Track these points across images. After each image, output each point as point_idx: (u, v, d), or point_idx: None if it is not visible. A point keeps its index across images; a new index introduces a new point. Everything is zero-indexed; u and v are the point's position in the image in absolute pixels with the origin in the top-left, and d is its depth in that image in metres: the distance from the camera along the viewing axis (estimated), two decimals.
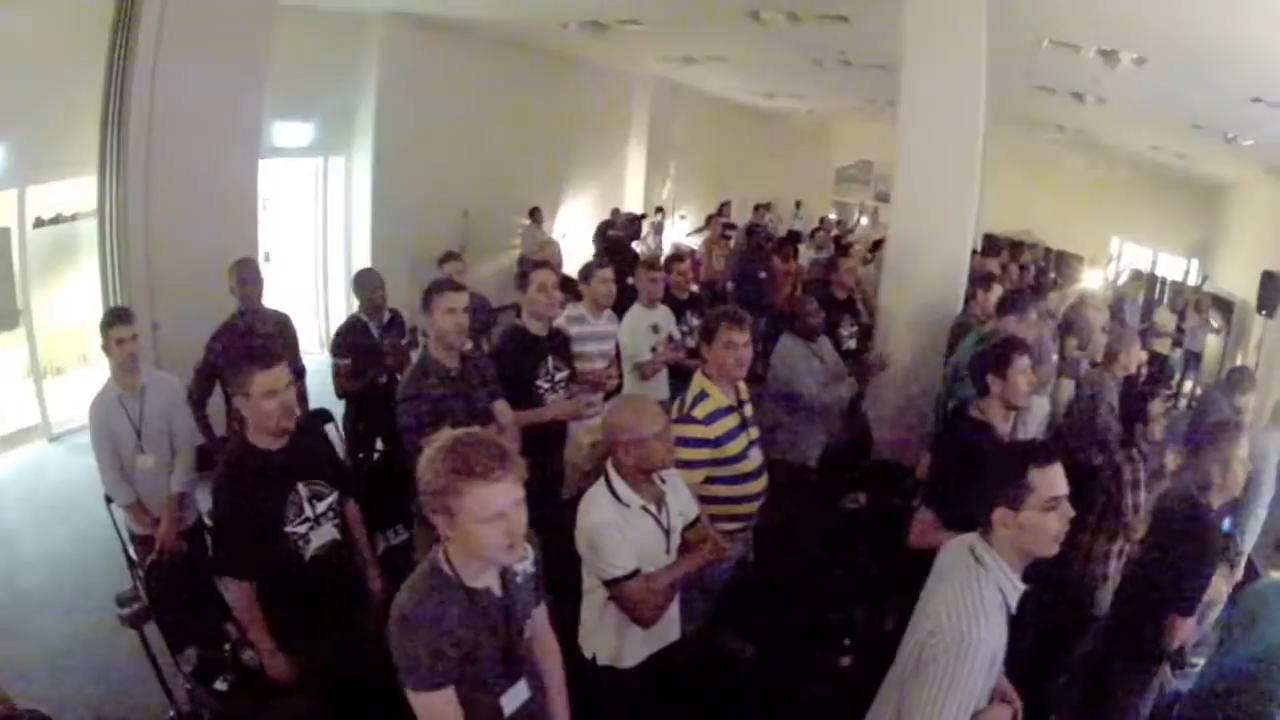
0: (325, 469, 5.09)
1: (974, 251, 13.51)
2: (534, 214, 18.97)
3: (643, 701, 4.63)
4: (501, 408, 6.34)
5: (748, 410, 5.84)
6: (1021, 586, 3.43)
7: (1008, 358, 5.39)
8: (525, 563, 3.66)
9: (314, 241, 15.90)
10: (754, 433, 5.81)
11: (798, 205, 27.12)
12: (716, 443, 5.47)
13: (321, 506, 4.97)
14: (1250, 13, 8.39)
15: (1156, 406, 6.49)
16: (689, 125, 24.05)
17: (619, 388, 8.18)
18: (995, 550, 3.40)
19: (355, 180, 15.86)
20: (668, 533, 4.63)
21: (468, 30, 15.99)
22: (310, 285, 15.80)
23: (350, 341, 8.52)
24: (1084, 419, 7.95)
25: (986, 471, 3.60)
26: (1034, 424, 10.09)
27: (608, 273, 8.24)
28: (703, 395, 5.57)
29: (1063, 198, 23.65)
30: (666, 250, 20.49)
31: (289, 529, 4.81)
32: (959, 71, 8.06)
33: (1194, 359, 17.05)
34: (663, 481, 4.69)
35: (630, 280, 9.88)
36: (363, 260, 14.65)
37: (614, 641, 4.57)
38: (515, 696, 3.57)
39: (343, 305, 14.88)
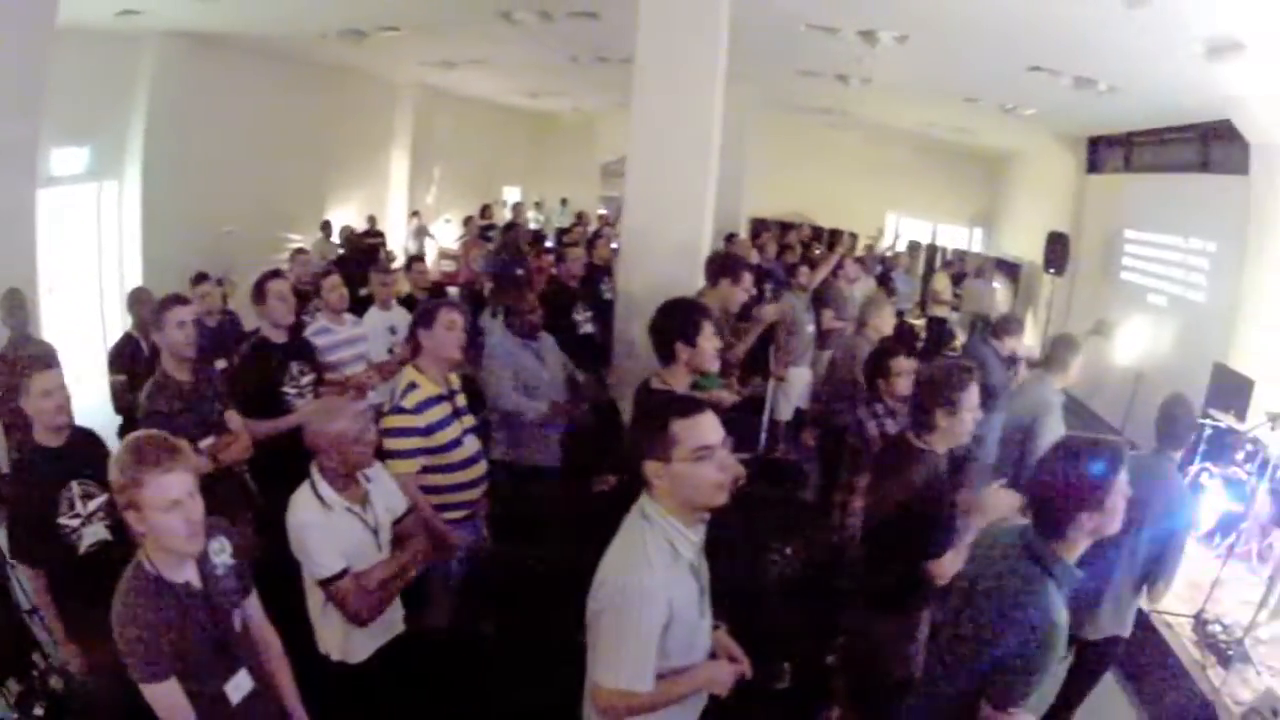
0: (101, 471, 4.86)
1: (730, 236, 14.17)
2: (325, 227, 18.92)
3: (374, 696, 4.71)
4: (231, 416, 6.36)
5: (459, 400, 5.94)
6: (695, 538, 3.47)
7: (697, 325, 5.39)
8: (223, 555, 3.82)
9: (94, 269, 15.35)
10: (467, 421, 5.93)
11: (563, 202, 27.24)
12: (427, 431, 5.55)
13: (92, 505, 5.10)
14: None
15: (900, 363, 6.55)
16: (454, 129, 23.76)
17: None
18: (659, 505, 3.41)
19: (127, 204, 15.41)
20: (375, 531, 4.73)
21: (237, 46, 15.60)
22: (92, 312, 15.16)
23: (124, 359, 8.50)
24: (835, 382, 8.28)
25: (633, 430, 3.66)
26: (795, 394, 10.43)
27: (336, 279, 8.37)
28: (412, 386, 5.63)
29: (837, 178, 24.21)
30: (431, 255, 20.88)
31: (61, 520, 5.00)
32: (694, 60, 8.11)
33: (983, 322, 17.64)
34: (367, 480, 4.81)
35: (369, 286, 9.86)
36: (137, 284, 14.09)
37: (340, 638, 4.67)
38: (238, 687, 3.73)
39: (121, 330, 14.36)
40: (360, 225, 19.75)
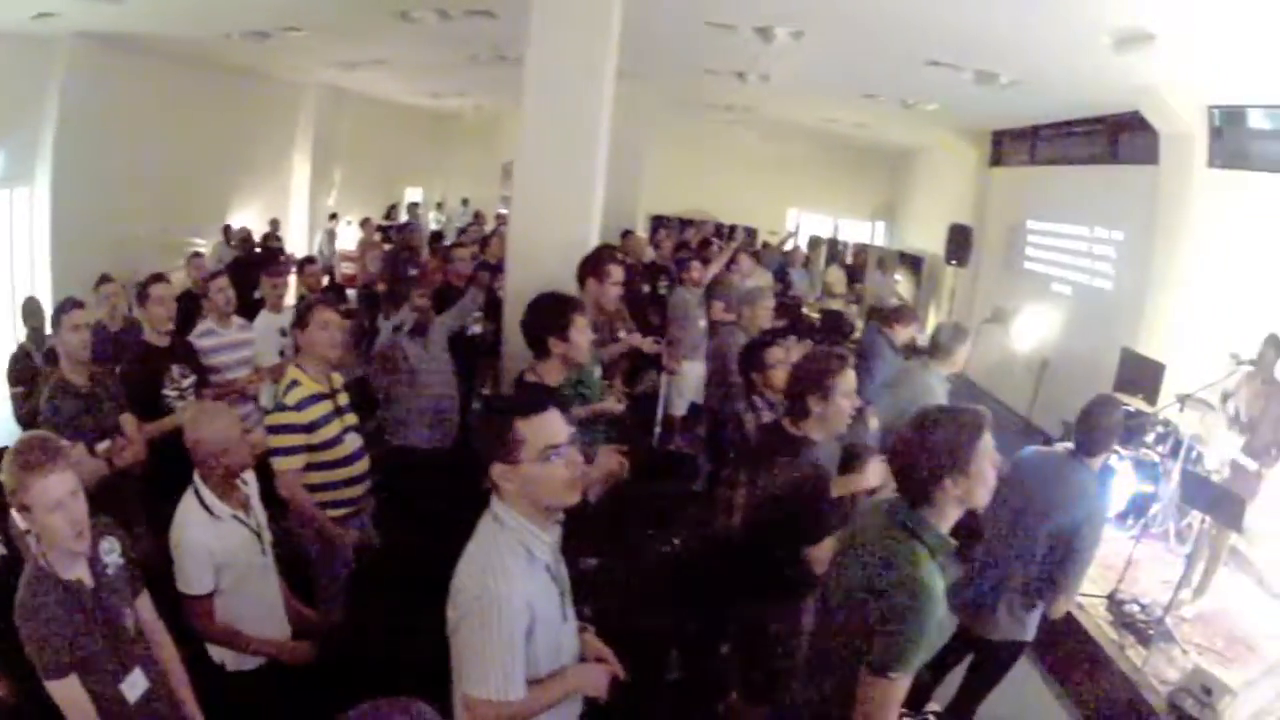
0: None
1: (626, 233, 13.92)
2: (225, 231, 18.36)
3: (268, 700, 4.65)
4: (127, 420, 6.37)
5: (341, 399, 5.95)
6: (549, 539, 3.41)
7: (568, 318, 5.45)
8: (113, 555, 3.87)
9: (5, 276, 14.97)
10: (349, 419, 5.96)
11: (465, 202, 27.06)
12: (309, 428, 5.58)
13: None
14: None
15: (774, 354, 6.44)
16: (357, 130, 23.47)
17: None
18: (510, 507, 3.32)
19: (37, 210, 14.99)
20: (258, 534, 4.73)
21: (146, 48, 15.28)
22: (4, 321, 14.65)
23: (19, 371, 8.56)
24: (716, 375, 8.23)
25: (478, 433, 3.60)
26: (688, 388, 10.38)
27: (223, 282, 8.26)
28: (294, 384, 5.66)
29: (739, 174, 24.29)
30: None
31: None
32: (583, 59, 8.00)
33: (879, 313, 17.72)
34: (245, 484, 4.79)
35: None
36: (46, 291, 13.96)
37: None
38: (134, 685, 3.77)
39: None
40: (263, 228, 19.45)
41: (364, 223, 21.22)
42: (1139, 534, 8.52)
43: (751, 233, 21.92)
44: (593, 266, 7.25)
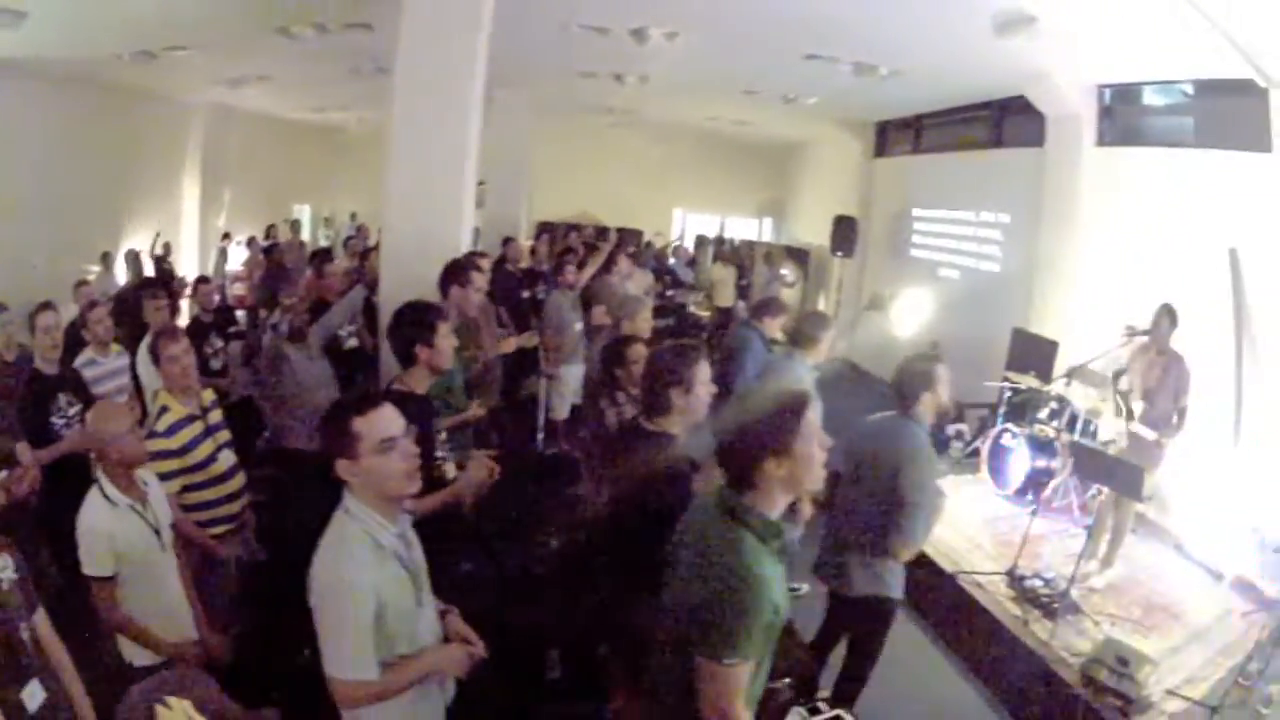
0: None
1: (506, 240, 13.71)
2: (104, 258, 17.84)
3: None
4: (22, 449, 6.32)
5: (213, 417, 5.94)
6: (395, 528, 3.55)
7: (433, 325, 5.44)
8: (7, 571, 3.76)
9: None
10: (221, 437, 5.96)
11: (353, 217, 26.75)
12: (181, 452, 5.56)
13: None
14: None
15: (636, 350, 6.17)
16: (246, 148, 22.94)
17: None
18: (357, 499, 3.48)
19: None
20: (157, 531, 4.72)
21: (34, 72, 14.68)
22: None
23: None
24: (593, 376, 8.14)
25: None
26: (569, 391, 10.27)
27: (100, 312, 8.06)
28: (164, 409, 5.66)
29: (624, 177, 24.10)
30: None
31: None
32: (451, 67, 7.96)
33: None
34: (145, 484, 4.80)
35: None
36: None
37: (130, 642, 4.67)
38: (33, 696, 3.68)
39: None
40: (157, 251, 19.05)
41: (249, 242, 20.84)
42: (1039, 509, 8.48)
43: (636, 235, 21.79)
44: (455, 273, 7.33)
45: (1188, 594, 8.26)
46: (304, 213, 26.80)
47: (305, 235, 24.20)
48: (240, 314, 13.79)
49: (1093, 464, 8.04)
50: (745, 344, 8.19)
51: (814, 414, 3.27)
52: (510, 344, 8.72)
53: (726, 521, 3.26)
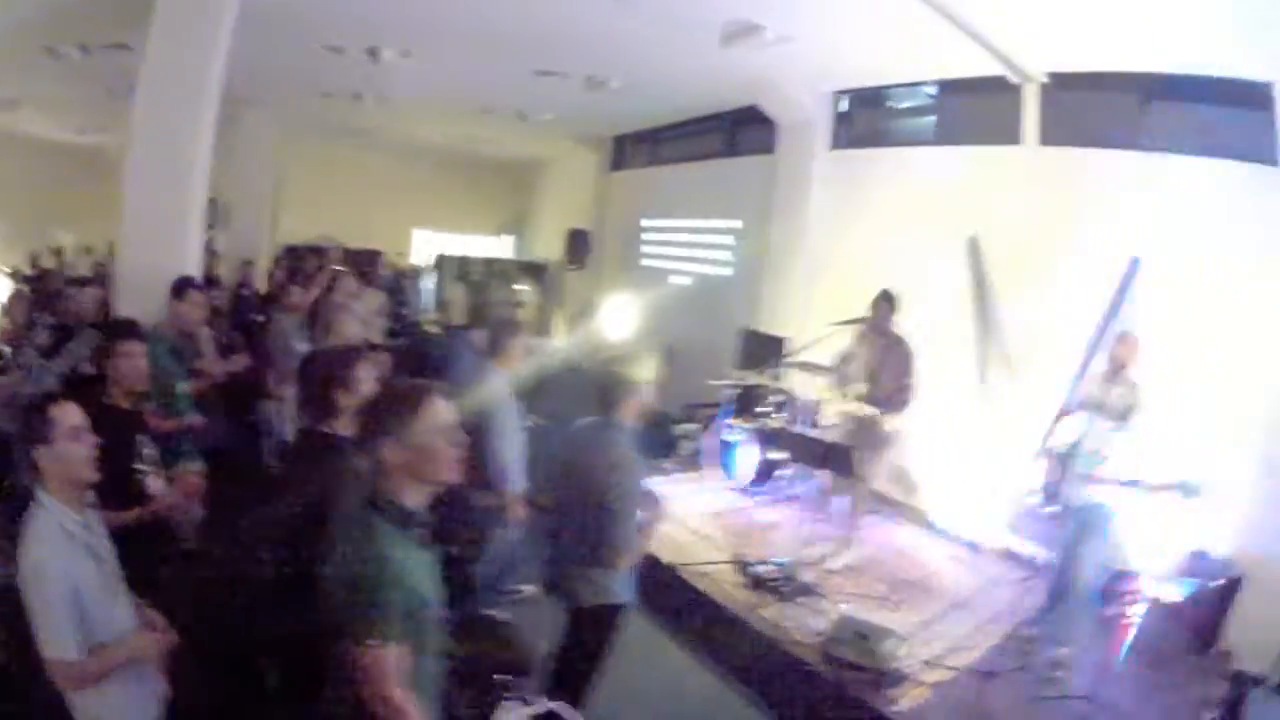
0: None
1: (246, 263, 13.75)
2: None
3: None
4: None
5: None
6: (79, 518, 3.70)
7: (114, 343, 5.45)
8: None
9: None
10: None
11: (110, 245, 25.66)
12: None
13: None
14: None
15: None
16: (7, 173, 22.03)
17: None
18: (48, 493, 3.64)
19: None
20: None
21: None
22: None
23: None
24: None
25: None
26: (290, 407, 10.01)
27: None
28: None
29: (367, 198, 23.09)
30: None
31: None
32: (186, 86, 7.69)
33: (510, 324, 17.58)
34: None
35: None
36: None
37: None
38: None
39: None
40: None
41: (13, 274, 19.67)
42: (771, 498, 9.12)
43: (376, 256, 21.34)
44: (174, 289, 7.29)
45: (943, 568, 8.40)
46: (68, 239, 25.16)
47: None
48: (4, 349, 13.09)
49: (806, 449, 8.11)
50: (455, 356, 8.32)
51: (437, 407, 3.27)
52: (219, 366, 8.26)
53: (366, 510, 3.25)
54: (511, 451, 6.48)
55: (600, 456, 5.08)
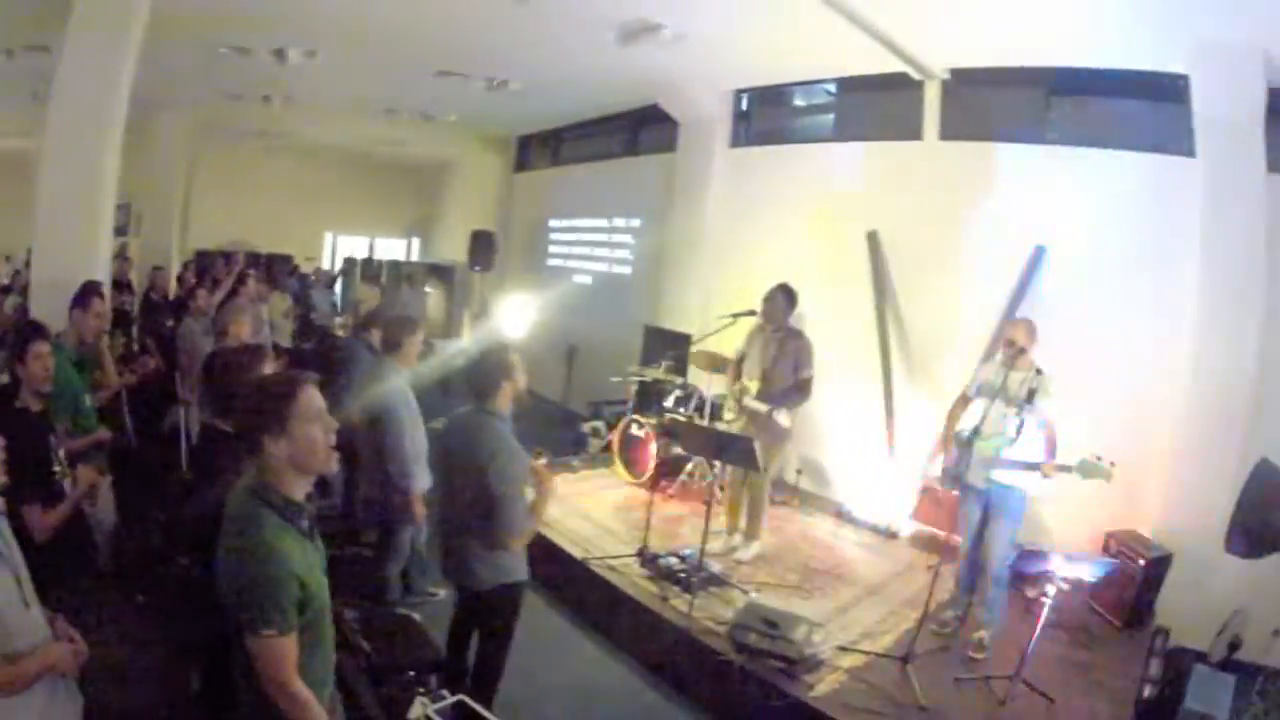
0: None
1: (156, 268, 13.35)
2: None
3: None
4: None
5: None
6: None
7: (23, 345, 5.31)
8: None
9: None
10: None
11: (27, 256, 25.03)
12: None
13: None
14: None
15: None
16: None
17: None
18: None
19: None
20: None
21: None
22: None
23: None
24: None
25: None
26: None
27: None
28: None
29: (277, 202, 22.84)
30: None
31: None
32: (98, 94, 7.53)
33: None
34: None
35: None
36: None
37: None
38: None
39: None
40: None
41: None
42: (676, 492, 9.26)
43: (286, 259, 20.97)
44: (77, 299, 7.15)
45: (857, 555, 8.44)
46: None
47: None
48: None
49: (702, 441, 7.96)
50: (352, 355, 8.26)
51: (311, 395, 3.26)
52: (119, 381, 8.01)
53: (251, 502, 3.21)
54: (411, 448, 6.45)
55: (477, 444, 5.11)
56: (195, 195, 18.92)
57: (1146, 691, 5.74)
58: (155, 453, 8.61)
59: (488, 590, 5.19)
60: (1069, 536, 7.53)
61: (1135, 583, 7.04)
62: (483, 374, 5.23)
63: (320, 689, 3.23)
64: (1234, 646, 5.87)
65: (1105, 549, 7.37)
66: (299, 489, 3.27)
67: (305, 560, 3.16)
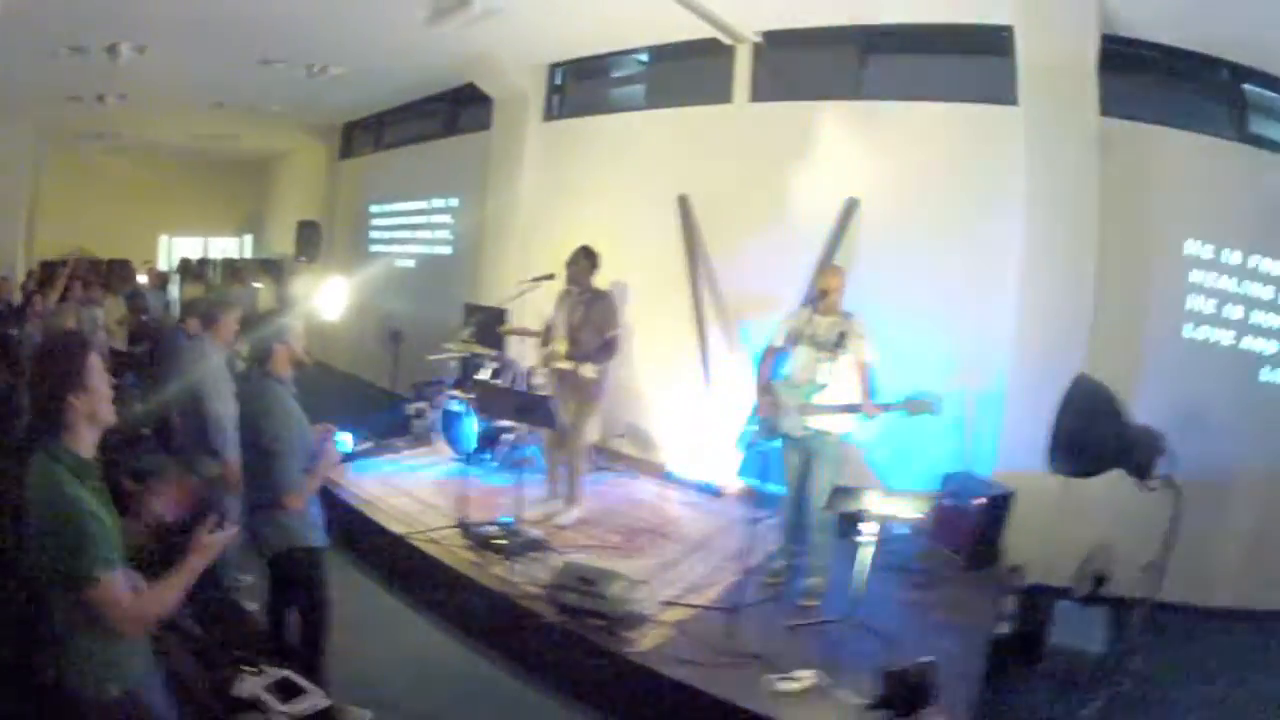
0: None
1: (1, 278, 13.05)
2: None
3: None
4: None
5: None
6: None
7: None
8: None
9: None
10: None
11: None
12: None
13: None
14: None
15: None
16: None
17: None
18: None
19: None
20: None
21: None
22: None
23: None
24: None
25: None
26: None
27: None
28: None
29: (114, 206, 22.21)
30: None
31: None
32: None
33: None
34: None
35: None
36: None
37: None
38: None
39: None
40: None
41: None
42: (496, 464, 9.28)
43: (125, 264, 20.29)
44: None
45: (681, 514, 8.43)
46: None
47: None
48: None
49: (501, 403, 8.10)
50: (172, 345, 7.82)
51: (94, 356, 3.23)
52: None
53: (46, 463, 3.11)
54: (227, 418, 6.19)
55: (255, 405, 5.14)
56: (40, 202, 18.32)
57: (1003, 629, 5.76)
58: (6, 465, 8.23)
59: (280, 555, 5.11)
60: (907, 483, 7.41)
61: (973, 522, 6.92)
62: (259, 341, 5.24)
63: (130, 668, 3.20)
64: (1100, 581, 5.97)
65: (945, 490, 7.28)
66: (89, 445, 3.17)
67: (106, 511, 3.08)
